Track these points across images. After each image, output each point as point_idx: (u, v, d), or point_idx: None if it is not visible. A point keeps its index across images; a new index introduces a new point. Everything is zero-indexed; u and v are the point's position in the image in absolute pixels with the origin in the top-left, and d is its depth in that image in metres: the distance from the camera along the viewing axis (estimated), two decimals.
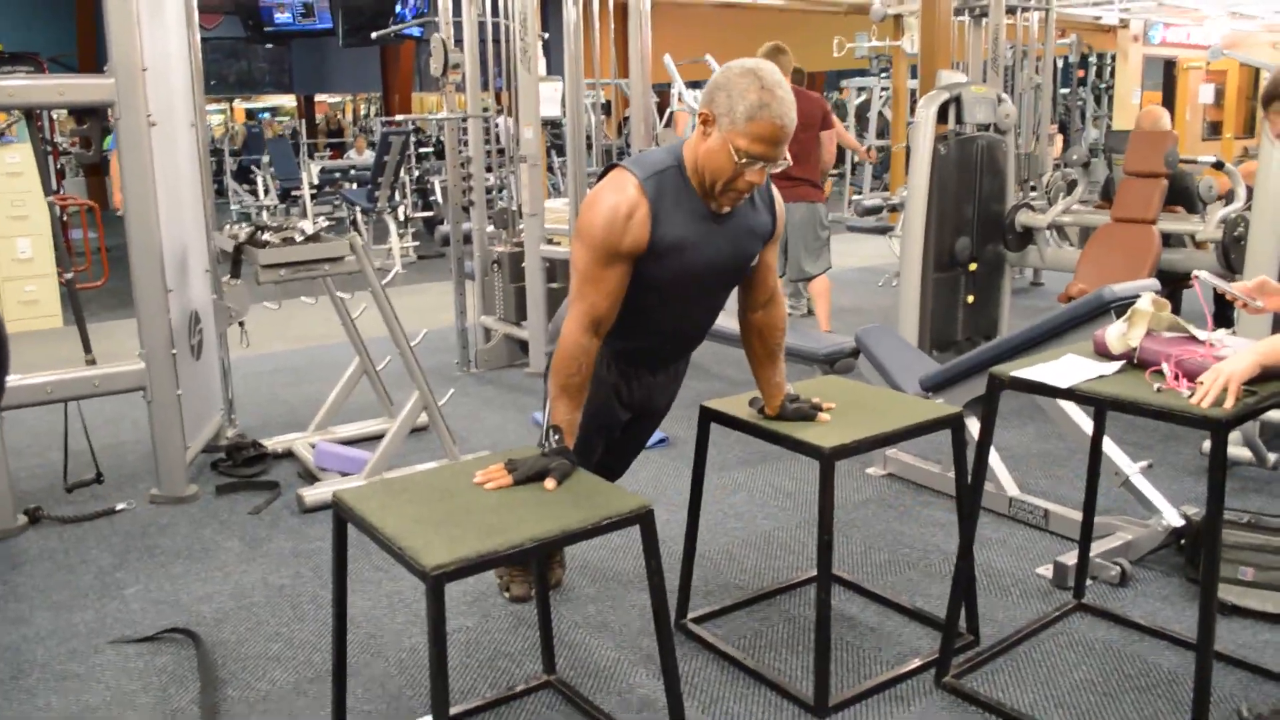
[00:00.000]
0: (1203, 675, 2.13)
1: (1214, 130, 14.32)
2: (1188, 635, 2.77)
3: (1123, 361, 2.43)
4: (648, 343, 2.61)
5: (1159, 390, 2.24)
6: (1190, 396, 2.15)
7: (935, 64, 7.59)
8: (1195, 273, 2.45)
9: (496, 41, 5.93)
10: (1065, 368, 2.44)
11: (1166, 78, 14.69)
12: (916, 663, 2.68)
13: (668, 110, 11.60)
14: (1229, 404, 2.09)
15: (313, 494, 3.81)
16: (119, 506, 3.86)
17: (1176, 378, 2.25)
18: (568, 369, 2.32)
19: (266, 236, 3.96)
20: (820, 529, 2.41)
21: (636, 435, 2.90)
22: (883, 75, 13.06)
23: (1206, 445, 4.01)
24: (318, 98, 24.62)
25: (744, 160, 2.24)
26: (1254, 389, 2.14)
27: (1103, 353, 2.50)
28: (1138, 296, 2.53)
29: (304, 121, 16.31)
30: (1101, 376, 2.37)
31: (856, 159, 12.62)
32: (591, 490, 2.16)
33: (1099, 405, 2.33)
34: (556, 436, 2.25)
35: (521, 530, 1.95)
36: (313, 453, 4.21)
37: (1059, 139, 10.13)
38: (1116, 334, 2.45)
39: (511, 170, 6.05)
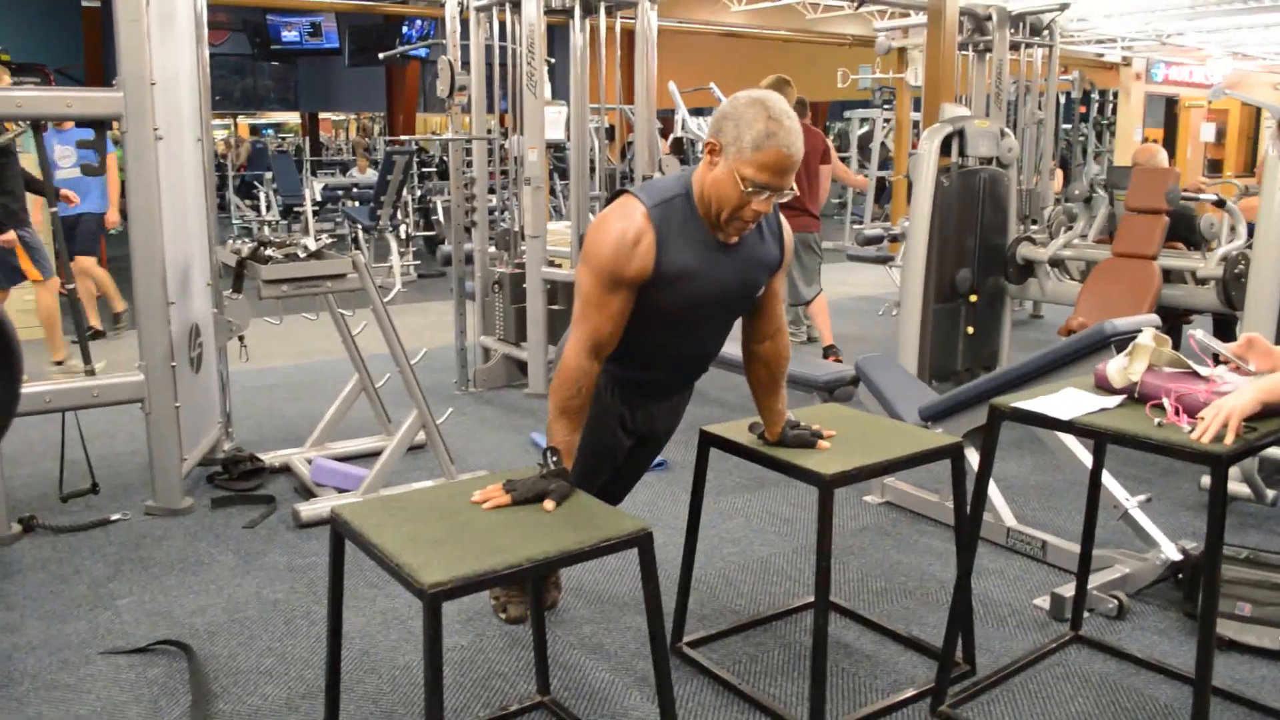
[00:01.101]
0: (1200, 710, 2.12)
1: (1214, 168, 14.41)
2: (1185, 669, 2.76)
3: (1123, 395, 2.44)
4: (652, 371, 2.61)
5: (1159, 425, 2.24)
6: (1191, 431, 2.16)
7: (939, 97, 7.63)
8: (1190, 333, 2.45)
9: (503, 65, 5.96)
10: (1066, 400, 2.44)
11: (1168, 115, 14.79)
12: (912, 691, 2.67)
13: (670, 136, 11.68)
14: (1229, 439, 2.09)
15: (309, 509, 3.80)
16: (114, 517, 3.85)
17: (1177, 412, 2.25)
18: (567, 391, 2.32)
19: (269, 252, 3.97)
20: (819, 556, 2.41)
21: (639, 461, 2.91)
22: (885, 107, 13.14)
23: (1205, 480, 4.01)
24: (322, 115, 24.73)
25: (750, 189, 2.24)
26: (1254, 425, 2.15)
27: (1104, 386, 2.50)
28: (1138, 331, 2.54)
29: (308, 139, 16.37)
30: (1102, 410, 2.37)
31: (855, 191, 12.72)
32: (590, 512, 2.16)
33: (1099, 438, 2.33)
34: (555, 458, 2.25)
35: (520, 550, 1.95)
36: (309, 468, 4.20)
37: (1059, 174, 10.18)
38: (1117, 368, 2.46)
39: (515, 192, 6.07)
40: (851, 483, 2.48)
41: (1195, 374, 2.38)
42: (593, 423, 2.50)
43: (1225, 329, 5.79)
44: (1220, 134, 14.43)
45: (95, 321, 7.14)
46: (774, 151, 2.22)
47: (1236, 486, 3.89)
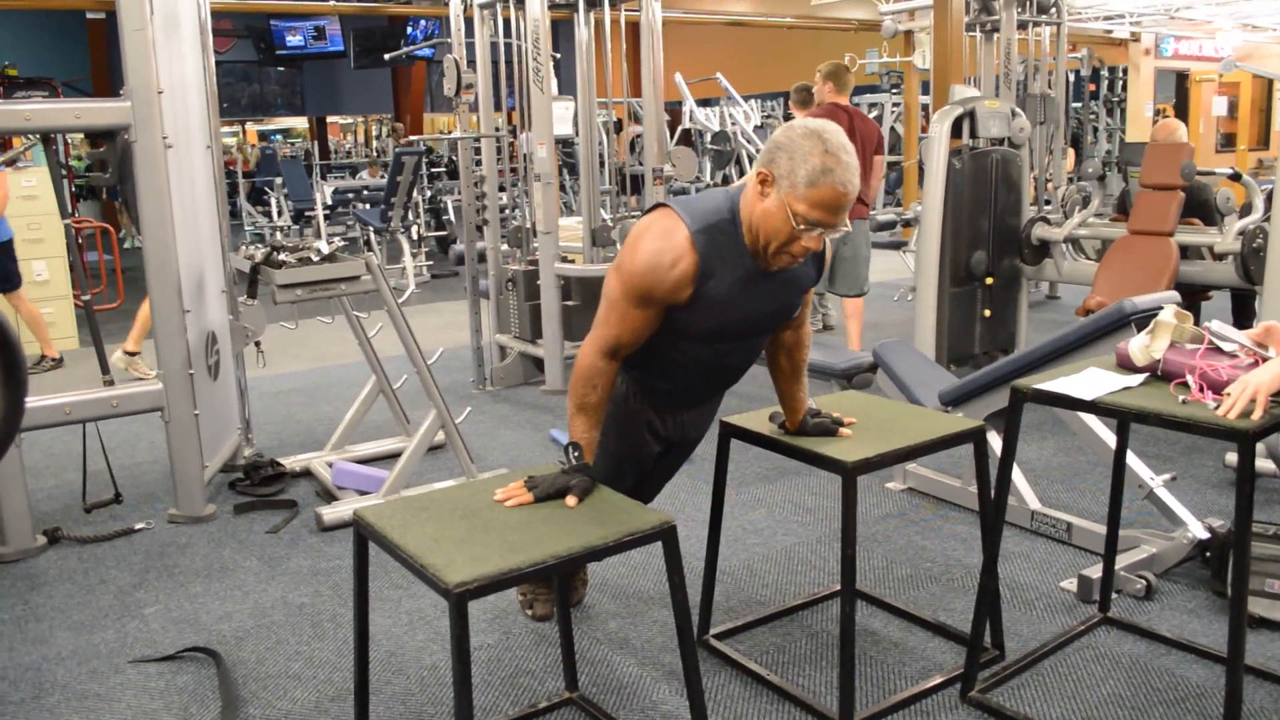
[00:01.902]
0: (1234, 689, 2.10)
1: (1228, 142, 14.30)
2: (1215, 648, 2.74)
3: (1146, 374, 2.41)
4: (682, 382, 2.57)
5: (1184, 402, 2.22)
6: (1216, 408, 2.14)
7: (947, 79, 7.60)
8: (1206, 325, 2.42)
9: (509, 62, 5.96)
10: (1088, 380, 2.42)
11: (1179, 90, 14.67)
12: (941, 678, 2.66)
13: (679, 129, 11.66)
14: (1256, 415, 2.07)
15: (331, 513, 3.81)
16: (138, 526, 3.87)
17: (1202, 389, 2.23)
18: (584, 388, 2.30)
19: (283, 257, 3.97)
20: (843, 543, 2.40)
21: (669, 465, 2.88)
22: (894, 91, 13.09)
23: (1229, 458, 3.98)
24: (329, 119, 24.75)
25: (802, 226, 2.17)
26: None
27: (1126, 365, 2.48)
28: (1158, 309, 2.52)
29: (316, 143, 16.39)
30: (1125, 389, 2.35)
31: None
32: (614, 507, 2.15)
33: (1123, 418, 2.31)
34: (576, 453, 2.24)
35: (544, 547, 1.94)
36: (330, 471, 4.21)
37: (1071, 153, 10.11)
38: (1140, 346, 2.44)
39: (525, 189, 6.07)
40: (874, 470, 2.46)
41: (1219, 350, 2.35)
42: (620, 427, 2.48)
43: (1243, 305, 5.75)
44: (1232, 107, 14.30)
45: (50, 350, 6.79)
46: (829, 189, 2.13)
47: (1261, 463, 3.86)
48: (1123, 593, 3.09)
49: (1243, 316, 5.70)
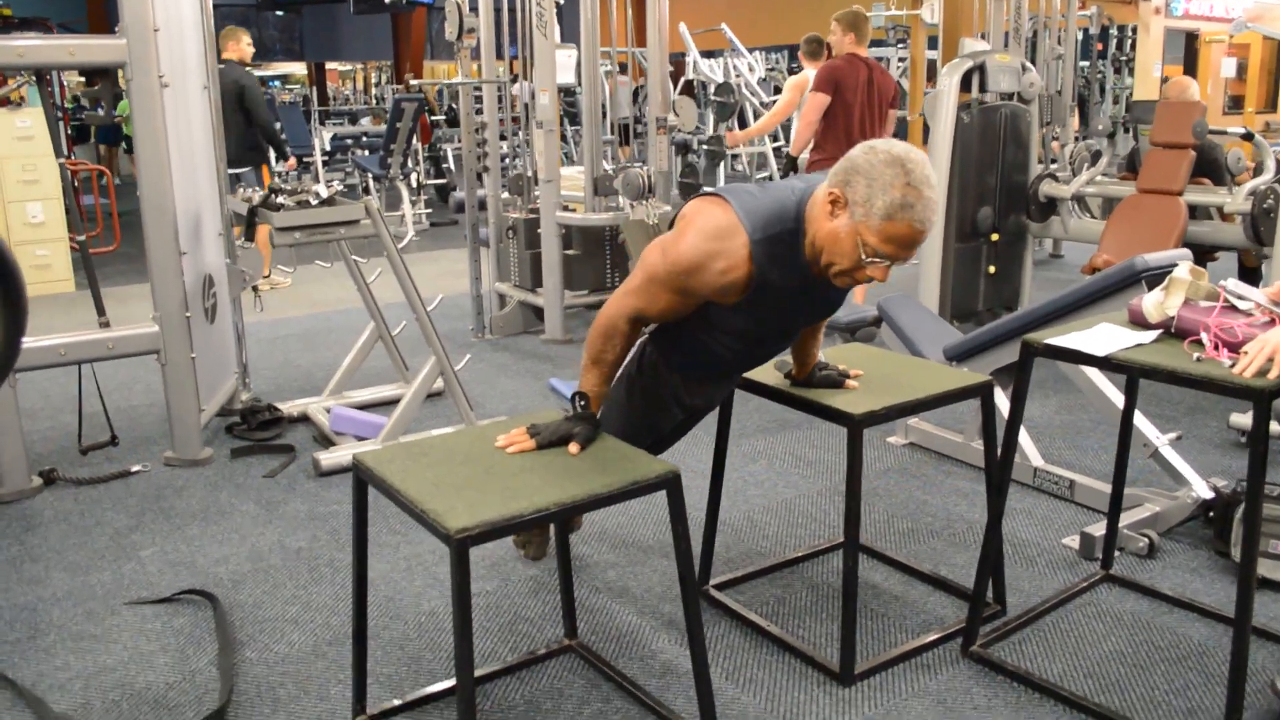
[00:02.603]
0: (1240, 649, 2.09)
1: (1236, 104, 14.16)
2: (1217, 607, 2.74)
3: (1159, 330, 2.38)
4: (715, 367, 2.51)
5: (1198, 360, 2.19)
6: (1232, 366, 2.10)
7: (957, 34, 7.49)
8: (1221, 283, 2.36)
9: (511, 9, 5.85)
10: (1100, 336, 2.39)
11: (1188, 51, 14.50)
12: (942, 632, 2.65)
13: (681, 79, 11.52)
14: (1273, 374, 2.03)
15: (329, 458, 3.78)
16: (134, 469, 3.84)
17: (1216, 347, 2.20)
18: (602, 345, 2.24)
19: (281, 200, 3.91)
20: (848, 496, 2.37)
21: (684, 428, 2.82)
22: (899, 46, 12.91)
23: (1234, 418, 3.96)
24: (329, 65, 24.49)
25: (871, 259, 2.05)
26: None
27: (1138, 322, 2.44)
28: (1170, 266, 2.48)
29: (315, 89, 16.20)
30: (1138, 345, 2.31)
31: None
32: (616, 455, 2.12)
33: (1136, 374, 2.27)
34: (583, 403, 2.21)
35: (546, 494, 1.91)
36: (328, 417, 4.18)
37: (1075, 113, 10.00)
38: (1154, 303, 2.39)
39: (525, 138, 5.98)
40: (881, 422, 2.43)
41: (1233, 308, 2.31)
42: (646, 394, 2.44)
43: (1250, 279, 5.70)
44: (1241, 69, 14.15)
45: None
46: (907, 225, 2.00)
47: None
48: (1125, 551, 3.08)
49: (1251, 283, 5.65)
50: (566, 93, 9.22)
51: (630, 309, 2.22)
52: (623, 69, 7.16)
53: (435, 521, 1.82)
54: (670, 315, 2.26)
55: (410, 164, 10.07)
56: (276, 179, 6.54)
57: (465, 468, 2.05)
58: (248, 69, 6.98)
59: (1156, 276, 3.06)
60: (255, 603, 2.88)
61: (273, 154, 7.54)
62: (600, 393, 2.24)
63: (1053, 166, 5.67)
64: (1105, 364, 2.29)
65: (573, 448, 2.12)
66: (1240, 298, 2.29)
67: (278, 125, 7.72)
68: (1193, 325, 2.29)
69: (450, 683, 2.45)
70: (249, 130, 6.89)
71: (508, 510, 1.85)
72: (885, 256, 2.04)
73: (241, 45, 6.94)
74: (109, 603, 2.89)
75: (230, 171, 7.08)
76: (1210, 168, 5.27)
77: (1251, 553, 2.07)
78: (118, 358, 3.78)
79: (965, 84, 5.14)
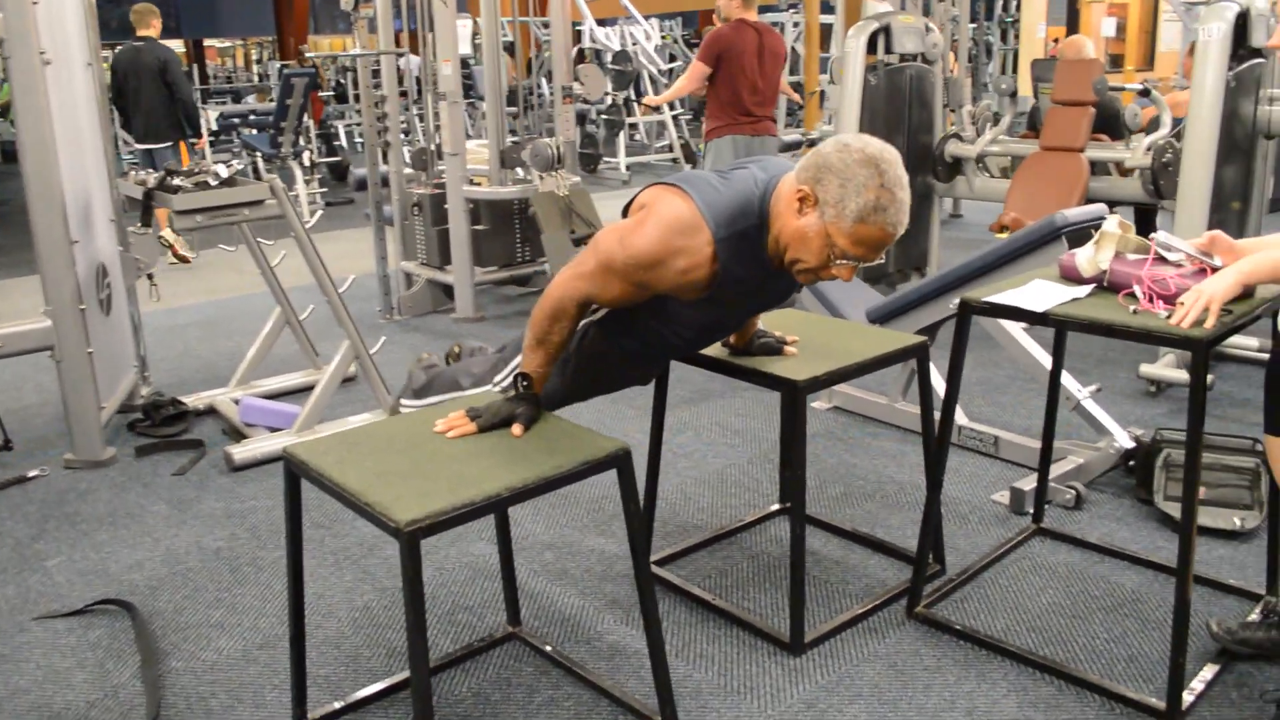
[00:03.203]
0: (1182, 596, 2.12)
1: (1115, 63, 14.56)
2: (1145, 554, 2.81)
3: (1092, 285, 2.40)
4: (665, 354, 2.46)
5: (1135, 312, 2.21)
6: (1168, 317, 2.12)
7: None
8: (1152, 236, 2.38)
9: None
10: (1035, 292, 2.40)
11: (1070, 11, 14.87)
12: (886, 595, 2.65)
13: (576, 47, 11.37)
14: (1209, 324, 2.06)
15: (242, 452, 3.62)
16: (31, 474, 3.62)
17: (1151, 299, 2.22)
18: (548, 326, 2.12)
19: (178, 181, 3.71)
20: (793, 464, 2.35)
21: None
22: (791, 10, 12.95)
23: (1144, 369, 4.06)
24: (207, 42, 23.60)
25: (840, 260, 2.01)
26: (1230, 308, 2.12)
27: (1071, 277, 2.46)
28: (1089, 222, 2.49)
29: (195, 66, 15.58)
30: (1074, 300, 2.33)
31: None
32: (562, 434, 2.05)
33: (1076, 329, 2.28)
34: (525, 384, 2.12)
35: (496, 479, 1.83)
36: (237, 408, 4.00)
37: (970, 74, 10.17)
38: (1086, 257, 2.41)
39: (420, 110, 5.81)
40: (824, 388, 2.42)
41: (1163, 260, 2.34)
42: (581, 371, 2.35)
43: (1146, 220, 5.86)
44: (1120, 28, 14.56)
45: None
46: (879, 229, 1.95)
47: (1176, 373, 3.95)
48: (1052, 503, 3.13)
49: (1146, 232, 5.80)
50: (462, 64, 9.01)
51: (580, 293, 2.11)
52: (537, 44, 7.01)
53: (382, 514, 1.73)
54: (622, 304, 2.17)
55: (302, 142, 9.74)
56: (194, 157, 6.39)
57: (406, 456, 1.96)
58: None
59: (1076, 232, 3.10)
60: (176, 609, 2.73)
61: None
62: (544, 374, 2.16)
63: (951, 127, 5.73)
64: (1045, 320, 2.30)
65: (516, 429, 2.04)
66: (1169, 249, 2.32)
67: None
68: (1126, 279, 2.31)
69: (391, 680, 2.36)
70: (171, 105, 7.03)
71: (457, 499, 1.76)
72: (853, 258, 2.00)
73: (156, 22, 7.20)
74: (15, 619, 2.71)
75: (149, 148, 7.00)
76: (1111, 122, 5.38)
77: (1191, 502, 2.10)
78: (6, 356, 3.55)
79: (871, 46, 5.14)
